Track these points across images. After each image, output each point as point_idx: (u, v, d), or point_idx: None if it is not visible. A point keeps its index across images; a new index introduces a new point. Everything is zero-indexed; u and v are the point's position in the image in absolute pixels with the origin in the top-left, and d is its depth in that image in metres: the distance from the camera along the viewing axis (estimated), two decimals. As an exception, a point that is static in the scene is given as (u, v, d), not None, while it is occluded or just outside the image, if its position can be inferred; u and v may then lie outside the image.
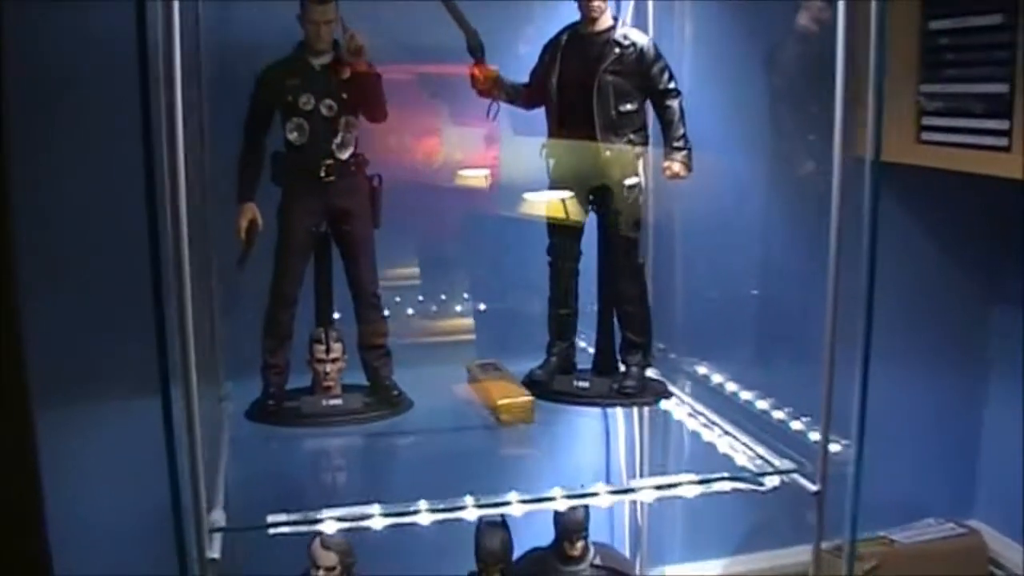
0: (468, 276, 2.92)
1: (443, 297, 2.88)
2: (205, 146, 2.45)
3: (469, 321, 2.91)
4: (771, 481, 2.18)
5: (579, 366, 2.67)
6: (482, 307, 2.92)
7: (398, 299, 2.81)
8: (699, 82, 2.70)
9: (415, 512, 2.04)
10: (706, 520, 2.86)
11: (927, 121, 2.77)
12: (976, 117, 2.60)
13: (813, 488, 2.14)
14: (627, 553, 2.98)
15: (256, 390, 2.48)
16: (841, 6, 2.01)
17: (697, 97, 2.67)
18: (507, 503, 2.09)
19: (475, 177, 2.64)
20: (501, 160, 2.73)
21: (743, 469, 2.24)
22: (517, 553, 2.52)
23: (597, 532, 2.71)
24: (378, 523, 2.03)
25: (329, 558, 2.34)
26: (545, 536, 2.52)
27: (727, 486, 2.19)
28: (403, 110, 2.59)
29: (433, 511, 2.08)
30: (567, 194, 2.50)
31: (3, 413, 2.18)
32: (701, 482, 2.15)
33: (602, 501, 2.12)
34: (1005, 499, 3.10)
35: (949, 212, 3.12)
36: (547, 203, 2.54)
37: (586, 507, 2.46)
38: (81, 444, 2.44)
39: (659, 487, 2.14)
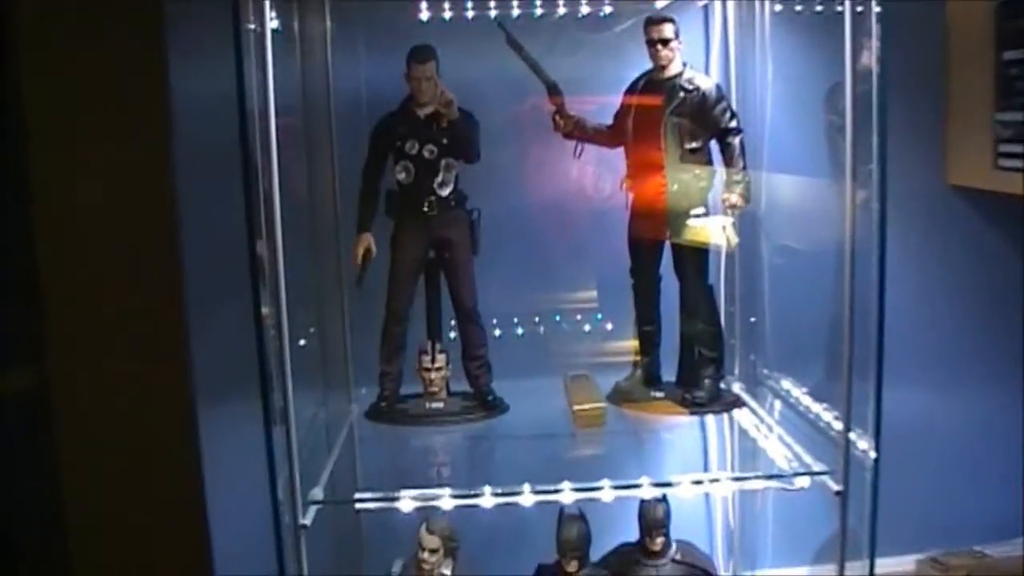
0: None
1: (578, 318, 3.18)
2: (335, 183, 2.90)
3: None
4: (801, 482, 2.38)
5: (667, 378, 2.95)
6: (609, 327, 3.19)
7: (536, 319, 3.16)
8: (781, 115, 2.93)
9: (478, 495, 2.39)
10: (798, 527, 2.98)
11: (1003, 148, 2.85)
12: (1041, 143, 2.71)
13: (836, 488, 2.32)
14: (720, 556, 3.20)
15: (382, 395, 2.90)
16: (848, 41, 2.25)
17: (781, 128, 2.94)
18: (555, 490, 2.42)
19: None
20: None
21: (781, 470, 2.45)
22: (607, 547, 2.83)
23: (691, 534, 2.95)
24: (447, 503, 2.39)
25: (433, 541, 2.67)
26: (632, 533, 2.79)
27: (760, 484, 2.42)
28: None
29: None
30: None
31: (170, 412, 2.59)
32: (736, 479, 2.39)
33: (642, 492, 2.38)
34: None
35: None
36: (629, 229, 2.83)
37: (666, 506, 2.71)
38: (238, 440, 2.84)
39: (696, 482, 2.39)
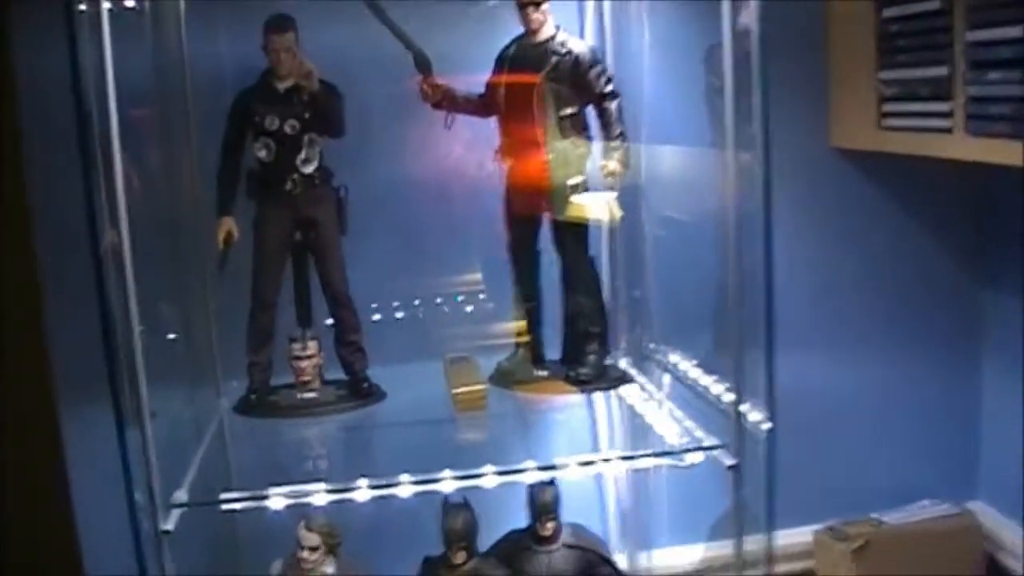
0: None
1: (460, 298, 3.04)
2: (195, 167, 2.70)
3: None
4: (693, 457, 2.29)
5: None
6: (491, 306, 3.07)
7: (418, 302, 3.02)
8: (659, 82, 2.82)
9: (355, 488, 2.26)
10: (693, 503, 2.91)
11: (886, 108, 2.80)
12: (924, 100, 2.64)
13: (729, 462, 2.24)
14: (614, 536, 3.10)
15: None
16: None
17: (659, 95, 2.83)
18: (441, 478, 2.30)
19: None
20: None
21: (672, 447, 2.36)
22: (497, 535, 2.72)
23: (583, 516, 2.86)
24: (321, 499, 2.25)
25: (312, 539, 2.52)
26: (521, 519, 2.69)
27: (651, 462, 2.32)
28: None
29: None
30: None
31: (31, 413, 2.43)
32: (624, 459, 2.29)
33: (528, 477, 2.27)
34: (1006, 481, 3.06)
35: (938, 197, 3.12)
36: (505, 203, 2.71)
37: (556, 489, 2.62)
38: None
39: (583, 463, 2.28)
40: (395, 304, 2.97)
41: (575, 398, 2.70)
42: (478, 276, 2.99)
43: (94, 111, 2.01)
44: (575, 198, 2.62)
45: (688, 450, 2.29)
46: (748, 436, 2.32)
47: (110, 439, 2.14)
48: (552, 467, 2.27)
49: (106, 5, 2.03)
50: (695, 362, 2.75)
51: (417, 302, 2.99)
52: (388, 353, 2.81)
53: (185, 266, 2.75)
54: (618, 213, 2.64)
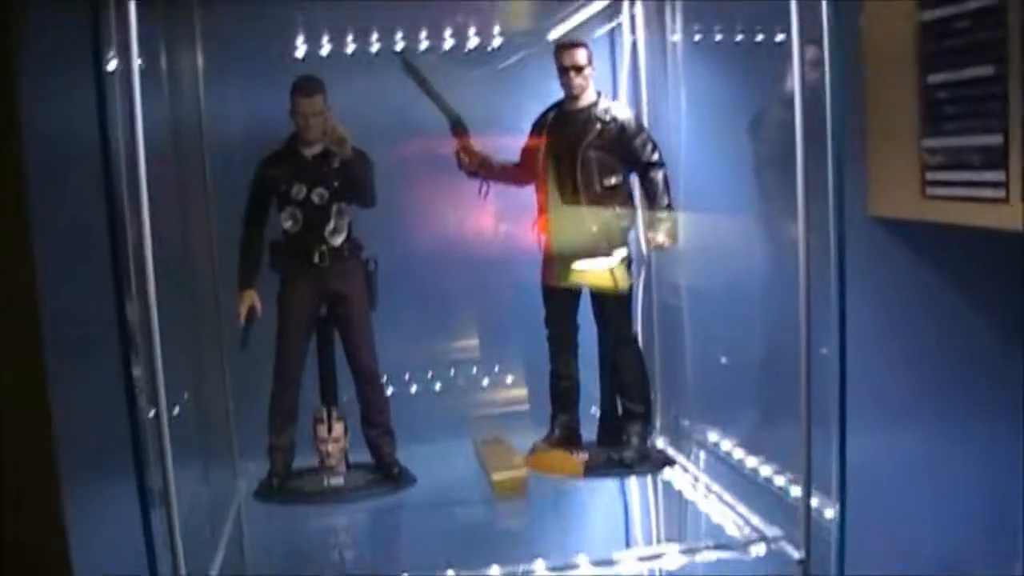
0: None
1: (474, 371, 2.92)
2: (213, 235, 2.58)
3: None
4: (757, 549, 2.15)
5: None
6: (509, 379, 2.93)
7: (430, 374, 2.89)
8: (697, 148, 2.71)
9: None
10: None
11: (931, 176, 2.69)
12: (975, 169, 2.53)
13: (797, 556, 2.10)
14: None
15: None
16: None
17: (697, 162, 2.71)
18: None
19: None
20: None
21: (731, 537, 2.21)
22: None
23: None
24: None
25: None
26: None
27: (713, 555, 2.17)
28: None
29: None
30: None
31: (33, 493, 2.28)
32: (686, 552, 2.14)
33: (584, 572, 2.11)
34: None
35: (984, 268, 3.01)
36: (543, 275, 2.59)
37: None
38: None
39: (642, 558, 2.13)
40: (407, 377, 2.83)
41: (616, 482, 2.56)
42: (507, 350, 2.87)
43: (123, 177, 1.89)
44: (576, 264, 2.51)
45: (751, 542, 2.15)
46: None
47: (118, 524, 2.00)
48: (609, 562, 2.10)
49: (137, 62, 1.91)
50: (735, 441, 2.62)
51: (430, 375, 2.86)
52: (412, 430, 2.66)
53: (200, 339, 2.60)
54: (624, 282, 2.53)
